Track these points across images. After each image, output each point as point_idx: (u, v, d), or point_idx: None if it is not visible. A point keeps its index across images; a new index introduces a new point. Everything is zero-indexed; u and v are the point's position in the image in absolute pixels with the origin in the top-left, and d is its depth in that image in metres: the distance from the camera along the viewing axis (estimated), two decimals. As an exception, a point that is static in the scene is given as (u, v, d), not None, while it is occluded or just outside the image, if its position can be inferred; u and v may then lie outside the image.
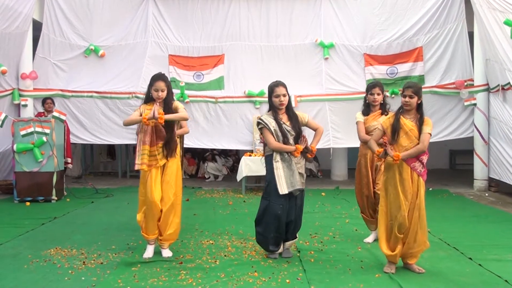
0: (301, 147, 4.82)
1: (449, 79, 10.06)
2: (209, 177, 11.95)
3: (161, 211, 4.89)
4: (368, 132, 5.49)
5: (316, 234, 6.05)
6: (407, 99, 4.49)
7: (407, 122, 4.49)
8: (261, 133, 4.96)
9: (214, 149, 12.01)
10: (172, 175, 4.91)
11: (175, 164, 4.95)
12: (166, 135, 4.86)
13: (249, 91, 10.22)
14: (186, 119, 5.12)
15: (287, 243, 5.07)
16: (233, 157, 13.31)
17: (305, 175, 4.96)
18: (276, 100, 4.85)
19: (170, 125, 4.87)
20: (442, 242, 5.63)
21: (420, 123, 4.48)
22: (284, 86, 4.89)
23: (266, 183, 4.95)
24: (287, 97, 4.87)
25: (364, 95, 5.81)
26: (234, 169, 12.60)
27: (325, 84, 10.31)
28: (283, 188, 4.77)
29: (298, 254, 5.12)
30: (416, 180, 4.46)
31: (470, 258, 4.96)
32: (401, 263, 4.65)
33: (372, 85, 5.63)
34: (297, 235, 5.14)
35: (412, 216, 4.43)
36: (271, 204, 4.83)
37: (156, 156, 4.85)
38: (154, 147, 4.85)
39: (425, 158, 4.48)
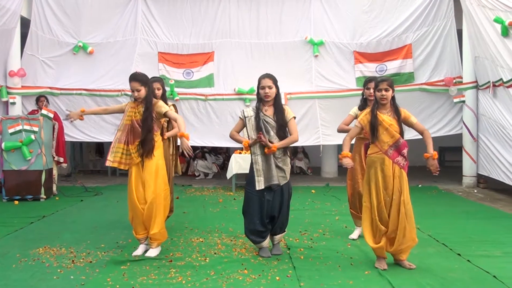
0: (246, 142, 4.89)
1: (438, 76, 10.10)
2: (199, 175, 11.94)
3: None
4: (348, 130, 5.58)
5: (306, 231, 6.06)
6: (383, 92, 4.51)
7: (385, 118, 4.52)
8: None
9: (204, 147, 12.00)
10: (151, 175, 4.85)
11: (153, 163, 4.86)
12: (142, 135, 4.83)
13: (239, 88, 10.20)
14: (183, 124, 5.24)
15: (276, 237, 5.08)
16: (223, 154, 13.29)
17: (287, 170, 4.92)
18: (262, 92, 4.90)
19: (146, 126, 4.83)
20: (431, 239, 5.66)
21: (397, 115, 4.53)
22: (271, 78, 4.91)
23: (249, 173, 5.02)
24: (273, 89, 4.88)
25: (354, 92, 5.84)
26: (224, 166, 12.58)
27: (315, 81, 10.32)
28: (260, 184, 4.82)
29: (288, 251, 5.13)
30: (398, 175, 4.49)
31: (459, 254, 4.99)
32: (391, 260, 4.67)
33: (369, 80, 5.65)
34: (285, 229, 5.15)
35: (399, 212, 4.45)
36: (252, 195, 4.90)
37: (131, 154, 4.85)
38: (130, 146, 4.85)
39: (406, 151, 4.53)
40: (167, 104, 5.72)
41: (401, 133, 4.53)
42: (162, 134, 5.16)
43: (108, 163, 4.89)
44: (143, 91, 4.88)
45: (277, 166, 4.85)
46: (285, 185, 4.93)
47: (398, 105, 4.60)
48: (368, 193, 4.59)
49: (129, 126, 4.87)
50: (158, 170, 4.90)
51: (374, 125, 4.50)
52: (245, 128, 5.01)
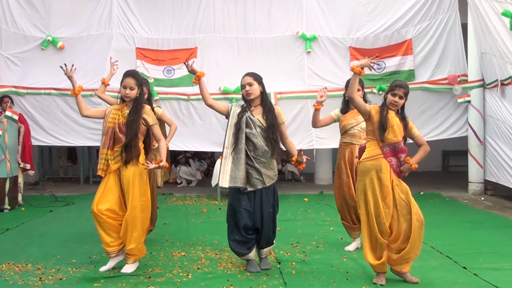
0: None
1: (441, 74, 10.16)
2: (181, 182, 11.89)
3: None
4: (346, 131, 5.74)
5: (298, 244, 6.05)
6: (396, 99, 4.53)
7: (394, 117, 4.56)
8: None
9: (187, 152, 11.95)
10: (128, 184, 4.82)
11: (130, 171, 4.83)
12: (126, 139, 4.80)
13: (224, 87, 10.18)
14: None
15: (263, 251, 5.05)
16: (207, 160, 13.28)
17: (269, 174, 4.87)
18: (243, 91, 4.93)
19: (131, 130, 4.80)
20: (434, 250, 5.67)
21: (404, 124, 4.58)
22: (252, 75, 4.93)
23: None
24: (254, 86, 4.88)
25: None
26: (208, 173, 12.56)
27: (307, 80, 10.33)
28: (224, 181, 4.81)
29: (278, 266, 5.11)
30: (397, 184, 4.52)
31: (465, 267, 5.00)
32: (391, 275, 4.66)
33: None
34: (274, 242, 5.12)
35: (408, 222, 4.45)
36: (231, 203, 4.92)
37: (109, 160, 4.82)
38: (111, 151, 4.83)
39: (403, 156, 4.55)
40: (152, 109, 5.72)
41: (404, 139, 4.59)
42: (147, 142, 5.10)
43: (98, 172, 4.90)
44: (135, 92, 4.87)
45: (254, 168, 4.81)
46: (266, 192, 4.88)
47: (406, 115, 4.66)
48: (364, 204, 4.56)
49: (112, 130, 4.85)
50: (135, 179, 4.85)
51: (384, 125, 4.51)
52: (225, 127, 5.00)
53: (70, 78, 5.06)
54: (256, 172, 4.83)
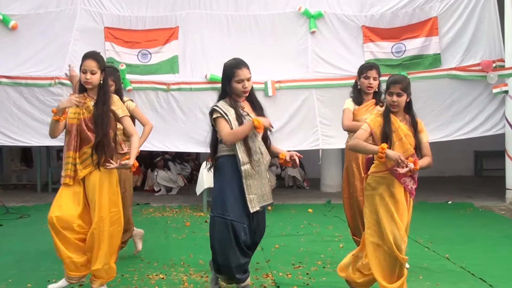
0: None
1: (473, 59, 10.16)
2: (160, 190, 11.89)
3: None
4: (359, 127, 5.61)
5: (300, 264, 6.07)
6: (394, 98, 4.55)
7: (402, 126, 4.56)
8: (214, 125, 4.88)
9: (166, 153, 11.94)
10: (93, 191, 4.82)
11: (97, 177, 4.83)
12: (96, 137, 4.79)
13: (211, 75, 10.16)
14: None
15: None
16: (191, 163, 13.26)
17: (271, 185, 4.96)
18: (239, 86, 4.84)
19: (101, 125, 4.79)
20: (464, 272, 5.68)
21: (414, 127, 4.58)
22: (248, 67, 4.90)
23: (215, 192, 4.96)
24: (251, 81, 4.90)
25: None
26: (192, 178, 12.55)
27: (312, 66, 10.33)
28: (253, 204, 4.76)
29: (277, 291, 5.13)
30: (408, 203, 4.60)
31: (501, 292, 5.04)
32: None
33: (369, 67, 5.72)
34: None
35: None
36: (221, 222, 4.77)
37: (76, 165, 4.80)
38: (78, 153, 4.81)
39: (416, 173, 4.57)
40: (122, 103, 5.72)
41: (416, 149, 4.58)
42: (114, 143, 5.08)
43: (62, 180, 4.87)
44: (97, 76, 4.84)
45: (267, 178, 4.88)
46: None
47: (415, 113, 4.66)
48: (375, 225, 4.59)
49: (77, 127, 4.83)
50: (103, 185, 4.84)
51: (387, 133, 4.52)
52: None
53: (72, 79, 4.99)
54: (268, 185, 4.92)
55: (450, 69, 10.19)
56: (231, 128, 4.74)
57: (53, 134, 4.94)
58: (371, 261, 4.62)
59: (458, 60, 10.22)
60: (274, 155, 5.00)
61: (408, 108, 4.63)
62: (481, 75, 10.11)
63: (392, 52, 10.30)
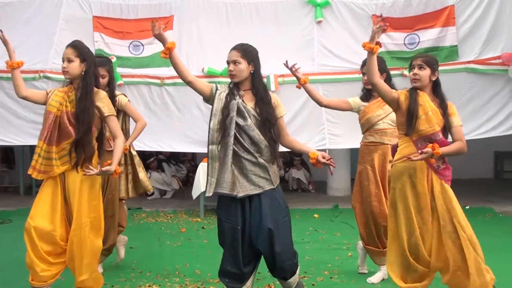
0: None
1: (493, 51, 10.14)
2: (153, 193, 11.86)
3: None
4: (372, 126, 5.70)
5: (306, 274, 6.06)
6: (415, 70, 4.62)
7: (430, 102, 4.59)
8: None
9: (160, 153, 11.92)
10: (73, 195, 4.80)
11: (78, 177, 4.80)
12: (76, 134, 4.75)
13: (209, 68, 10.17)
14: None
15: (289, 281, 4.94)
16: (187, 164, 13.26)
17: (269, 177, 4.79)
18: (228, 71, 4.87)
19: (84, 121, 4.75)
20: (485, 283, 5.65)
21: (443, 109, 4.59)
22: (241, 49, 4.83)
23: None
24: (241, 66, 4.78)
25: None
26: (188, 181, 12.54)
27: (318, 58, 10.33)
28: (210, 188, 4.73)
29: (280, 303, 5.09)
30: (439, 191, 4.52)
31: (525, 306, 5.00)
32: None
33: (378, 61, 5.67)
34: (297, 264, 5.04)
35: (460, 241, 4.47)
36: (221, 222, 4.80)
37: (52, 160, 4.77)
38: (54, 148, 4.78)
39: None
40: (114, 97, 5.69)
41: (444, 130, 4.59)
42: (100, 140, 5.05)
43: (29, 171, 4.91)
44: (75, 66, 4.81)
45: (242, 170, 4.72)
46: (266, 199, 4.75)
47: (445, 95, 4.66)
48: (394, 218, 4.62)
49: (55, 118, 4.79)
50: (83, 188, 4.81)
51: (412, 110, 4.54)
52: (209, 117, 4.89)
53: (5, 43, 4.91)
54: (243, 176, 4.72)
55: (468, 62, 10.15)
56: (212, 102, 4.78)
57: (17, 89, 4.89)
58: (389, 254, 4.73)
59: (476, 52, 10.18)
60: (298, 152, 4.93)
61: (436, 88, 4.66)
62: (502, 69, 10.08)
63: (404, 44, 10.27)
